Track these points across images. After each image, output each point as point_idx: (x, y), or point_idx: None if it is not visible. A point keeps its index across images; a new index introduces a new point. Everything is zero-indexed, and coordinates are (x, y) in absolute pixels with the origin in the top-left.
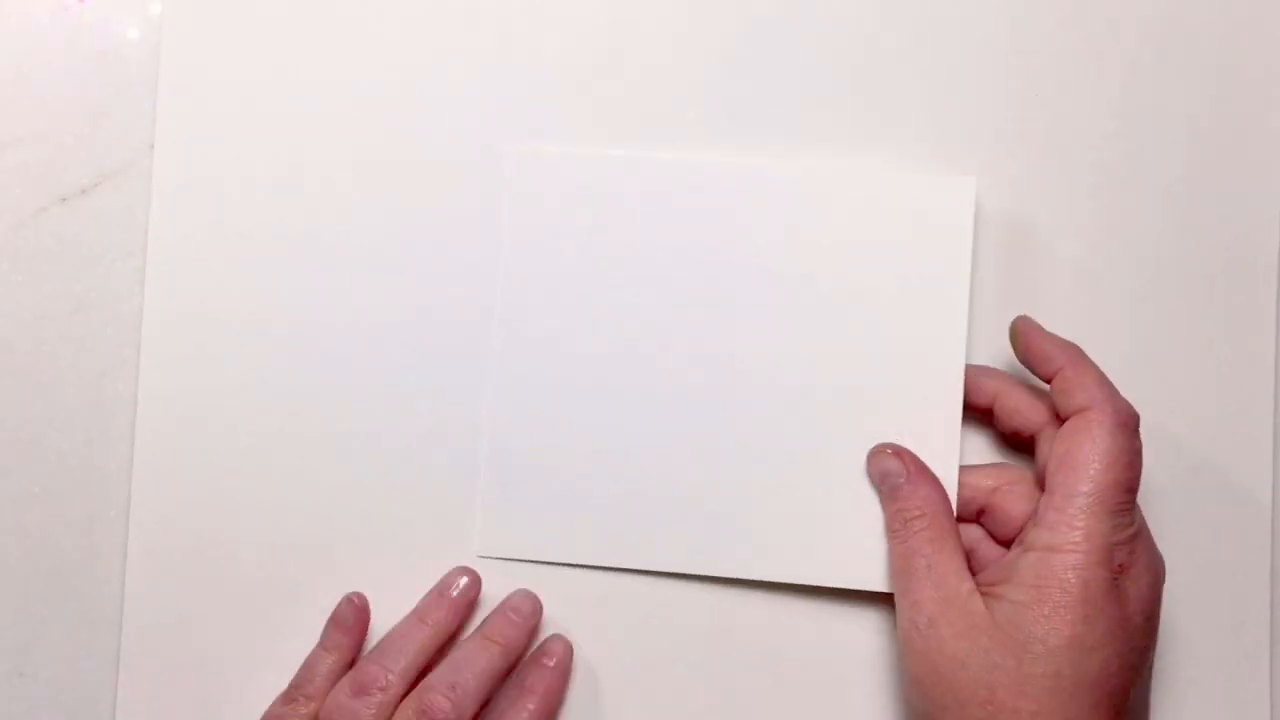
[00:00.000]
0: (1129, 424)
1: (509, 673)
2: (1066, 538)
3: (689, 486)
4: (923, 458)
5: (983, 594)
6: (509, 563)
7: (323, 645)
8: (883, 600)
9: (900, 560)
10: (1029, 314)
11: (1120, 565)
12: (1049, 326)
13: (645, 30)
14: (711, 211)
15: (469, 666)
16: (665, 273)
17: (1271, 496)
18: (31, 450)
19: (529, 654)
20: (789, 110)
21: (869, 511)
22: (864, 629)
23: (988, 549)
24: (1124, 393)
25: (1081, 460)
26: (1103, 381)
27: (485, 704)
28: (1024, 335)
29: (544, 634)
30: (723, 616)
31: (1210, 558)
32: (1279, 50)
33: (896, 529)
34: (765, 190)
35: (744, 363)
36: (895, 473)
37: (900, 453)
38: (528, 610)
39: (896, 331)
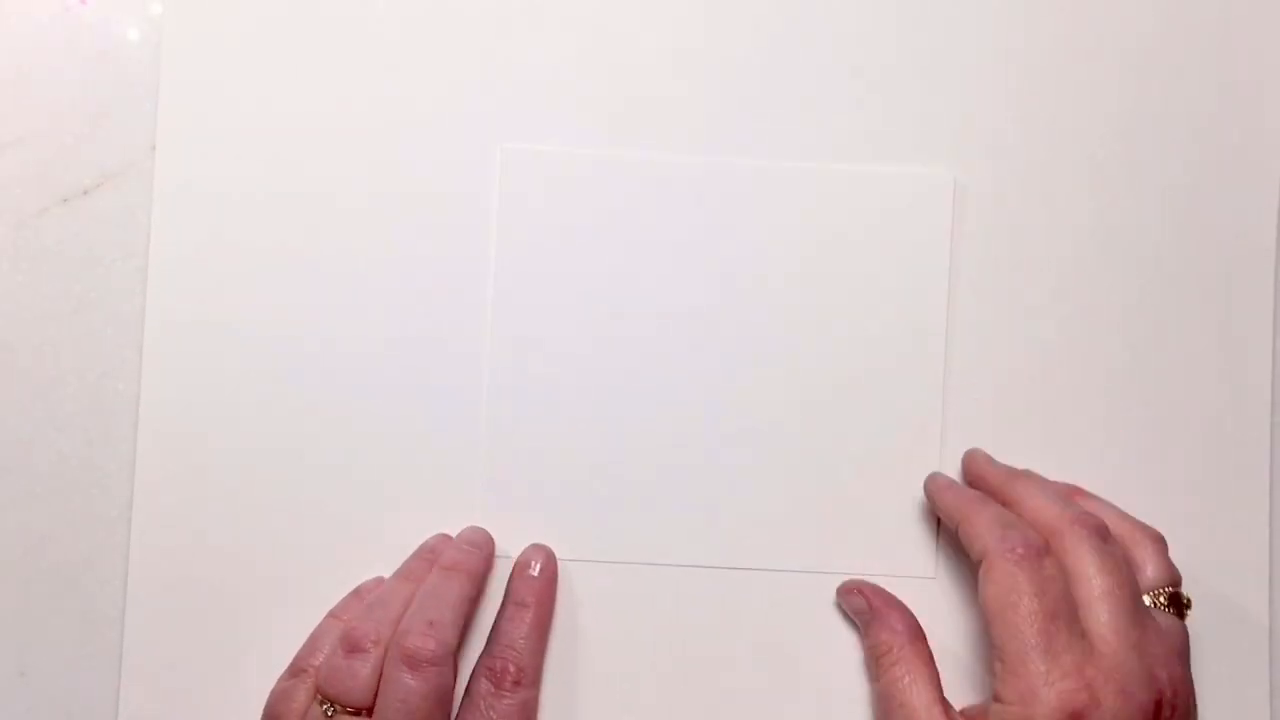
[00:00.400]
0: (1027, 556)
1: (479, 599)
2: (1013, 689)
3: (683, 480)
4: (903, 458)
5: None
6: (510, 560)
7: (334, 614)
8: None
9: (879, 698)
10: (1028, 315)
11: (1074, 713)
12: (1047, 329)
13: (633, 31)
14: (698, 210)
15: (441, 600)
16: (653, 270)
17: (1269, 495)
18: (31, 450)
19: (513, 569)
20: (782, 111)
21: (853, 499)
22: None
23: None
24: (1118, 392)
25: (996, 610)
26: (994, 523)
27: (464, 629)
28: (931, 495)
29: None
30: (723, 608)
31: (1207, 557)
32: (1279, 50)
33: (870, 665)
34: (750, 189)
35: (732, 358)
36: (861, 610)
37: (863, 590)
38: (480, 541)
39: (879, 326)
